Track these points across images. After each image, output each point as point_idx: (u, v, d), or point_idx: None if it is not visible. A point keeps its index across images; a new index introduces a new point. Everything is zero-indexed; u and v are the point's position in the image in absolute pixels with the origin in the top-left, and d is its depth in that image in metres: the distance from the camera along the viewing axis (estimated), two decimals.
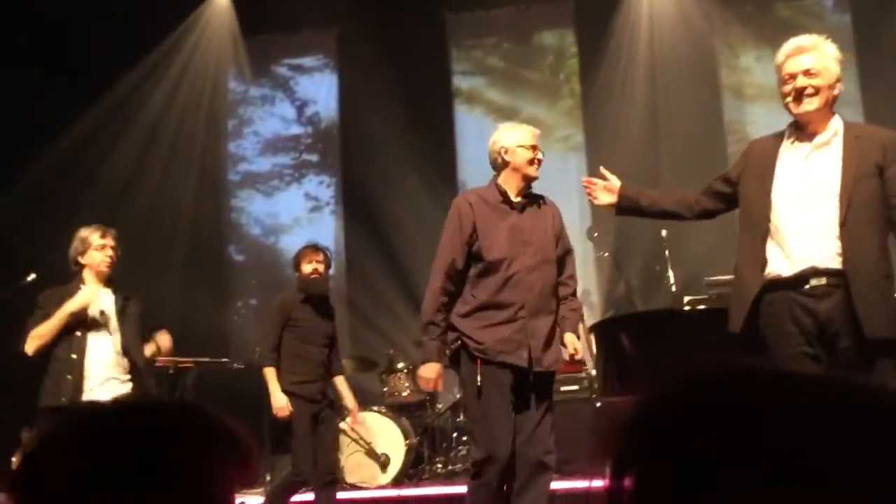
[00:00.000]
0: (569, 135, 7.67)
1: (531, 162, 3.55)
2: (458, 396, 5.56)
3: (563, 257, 3.62)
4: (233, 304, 8.03)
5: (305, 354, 4.62)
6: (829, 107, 3.00)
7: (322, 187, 8.15)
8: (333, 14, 7.62)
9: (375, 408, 5.72)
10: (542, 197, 3.66)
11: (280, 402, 4.49)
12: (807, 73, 2.94)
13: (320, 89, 8.22)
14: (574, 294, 3.64)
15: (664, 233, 5.15)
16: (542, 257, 3.51)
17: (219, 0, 7.88)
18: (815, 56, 2.96)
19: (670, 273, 4.97)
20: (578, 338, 3.57)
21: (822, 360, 2.87)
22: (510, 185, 3.57)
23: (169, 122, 7.70)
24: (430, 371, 3.49)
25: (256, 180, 8.26)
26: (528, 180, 3.58)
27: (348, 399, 4.93)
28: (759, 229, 2.98)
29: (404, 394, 5.94)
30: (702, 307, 4.25)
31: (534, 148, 3.56)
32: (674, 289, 4.89)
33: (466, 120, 7.85)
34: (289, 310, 4.66)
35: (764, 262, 2.96)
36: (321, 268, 4.75)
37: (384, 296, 7.25)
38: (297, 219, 8.09)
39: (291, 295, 4.76)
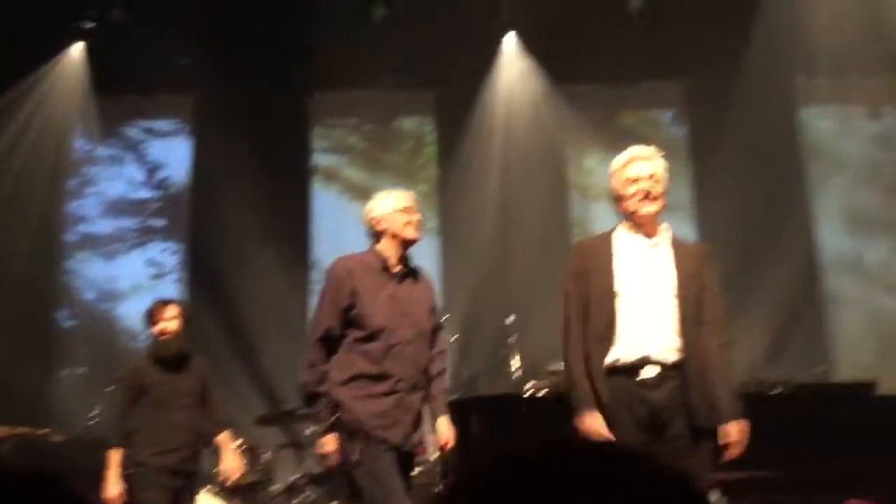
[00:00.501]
0: (424, 219, 7.79)
1: (407, 224, 3.52)
2: (295, 477, 5.37)
3: (436, 332, 3.58)
4: (59, 372, 7.49)
5: (162, 422, 4.28)
6: (659, 215, 3.25)
7: (167, 254, 7.85)
8: (192, 79, 7.51)
9: (208, 487, 5.42)
10: (418, 268, 3.62)
11: (110, 492, 4.12)
12: (651, 177, 3.16)
13: (173, 154, 8.01)
14: (444, 372, 3.58)
15: (510, 319, 5.27)
16: (419, 330, 3.46)
17: (72, 54, 7.61)
18: (656, 165, 3.22)
19: (515, 359, 5.08)
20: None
21: (651, 446, 3.00)
22: (389, 252, 3.51)
23: (8, 173, 7.25)
24: (329, 444, 3.32)
25: (96, 243, 7.86)
26: (408, 244, 3.53)
27: (225, 461, 4.52)
28: (606, 321, 3.10)
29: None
30: (543, 392, 4.33)
31: (409, 210, 3.54)
32: (517, 375, 4.99)
33: (324, 197, 7.84)
34: (138, 379, 4.34)
35: (606, 352, 3.08)
36: (172, 325, 4.44)
37: (224, 370, 6.97)
38: (137, 285, 7.72)
39: (140, 361, 4.46)
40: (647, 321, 3.07)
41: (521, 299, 6.58)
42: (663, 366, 3.04)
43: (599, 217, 7.42)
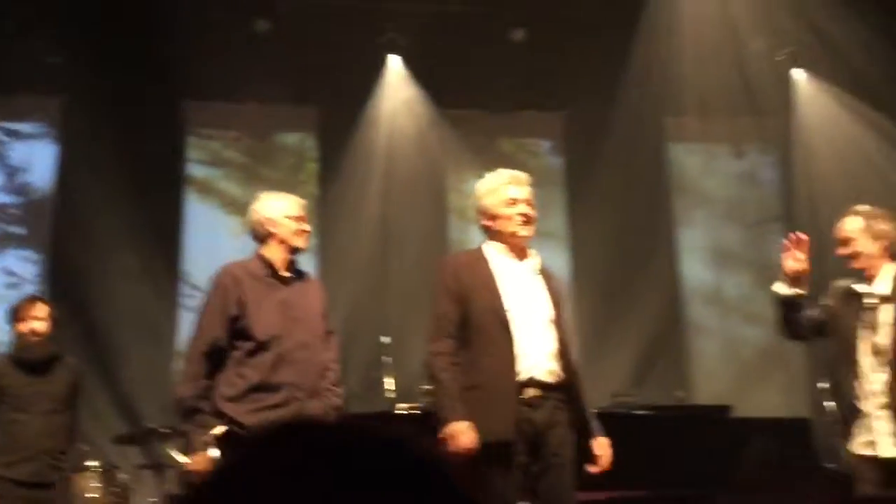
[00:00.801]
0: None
1: (298, 233, 3.39)
2: (153, 501, 5.13)
3: (328, 338, 3.46)
4: None
5: (17, 426, 3.97)
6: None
7: (25, 263, 7.41)
8: (62, 80, 7.15)
9: None
10: (306, 272, 3.51)
11: None
12: (528, 202, 3.22)
13: (36, 158, 7.59)
14: (337, 383, 3.44)
15: (385, 340, 5.24)
16: (312, 334, 3.33)
17: None
18: (530, 191, 3.27)
19: (389, 379, 5.04)
20: None
21: (531, 465, 3.05)
22: (276, 257, 3.37)
23: None
24: (203, 463, 3.11)
25: None
26: (295, 252, 3.41)
27: None
28: (497, 341, 3.09)
29: (94, 495, 5.37)
30: (416, 412, 4.32)
31: (300, 219, 3.43)
32: (391, 396, 4.96)
33: (197, 209, 7.61)
34: None
35: (501, 371, 3.08)
36: (41, 326, 4.11)
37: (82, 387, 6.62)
38: None
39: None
40: (531, 343, 3.11)
41: (397, 320, 6.56)
42: (544, 387, 3.09)
43: (476, 240, 7.51)
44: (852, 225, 3.59)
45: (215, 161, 7.92)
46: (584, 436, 3.13)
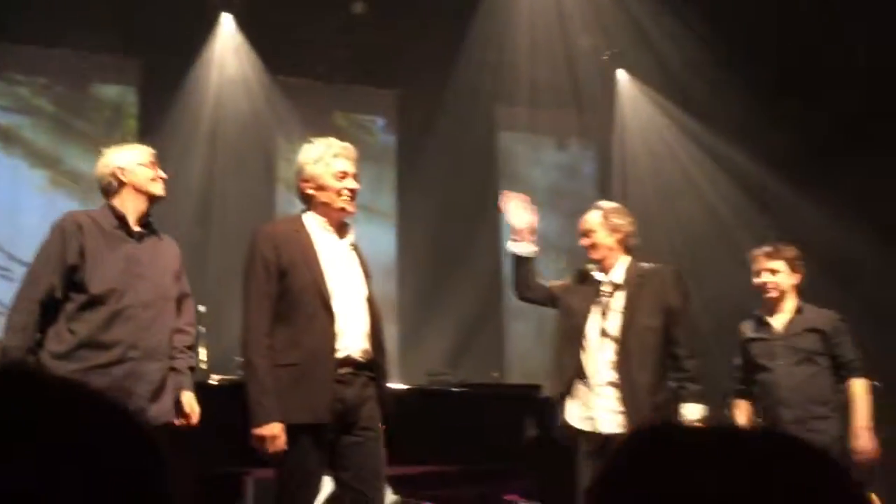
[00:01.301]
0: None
1: (155, 179, 3.26)
2: None
3: (182, 300, 3.30)
4: None
5: None
6: None
7: None
8: None
9: None
10: (158, 231, 3.32)
11: None
12: (356, 177, 3.18)
13: None
14: (193, 347, 3.30)
15: (201, 309, 5.04)
16: (159, 294, 3.16)
17: None
18: (358, 165, 3.24)
19: (202, 350, 4.86)
20: None
21: (342, 439, 3.06)
22: (129, 208, 3.20)
23: None
24: None
25: None
26: (153, 200, 3.26)
27: None
28: (325, 316, 3.05)
29: None
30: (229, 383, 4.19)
31: (154, 164, 3.29)
32: (204, 366, 4.79)
33: (1, 159, 6.99)
34: None
35: (324, 349, 3.05)
36: None
37: None
38: None
39: None
40: (349, 321, 3.09)
41: (215, 290, 6.34)
42: (357, 365, 3.09)
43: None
44: (593, 218, 3.87)
45: (23, 109, 7.30)
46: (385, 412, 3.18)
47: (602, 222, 3.83)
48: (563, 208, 8.63)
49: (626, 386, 3.57)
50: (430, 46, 7.54)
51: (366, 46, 7.63)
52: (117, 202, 3.23)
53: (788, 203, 7.41)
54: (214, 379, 4.38)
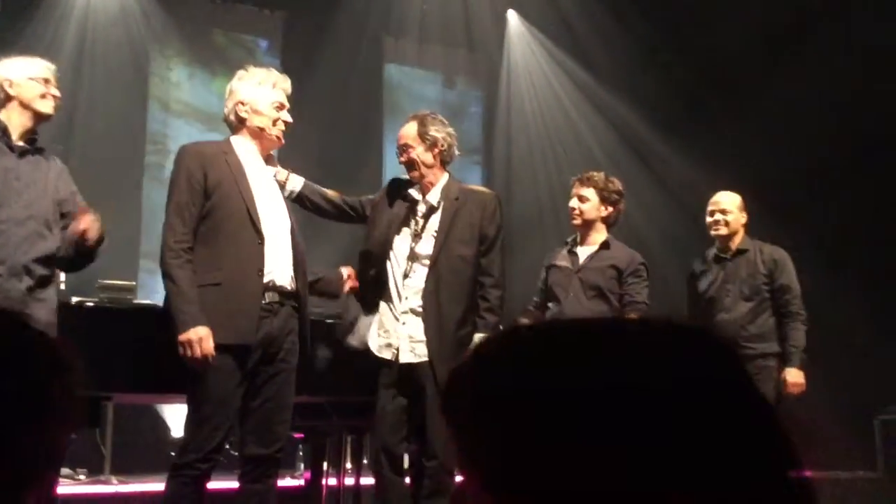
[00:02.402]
0: None
1: (44, 96, 3.06)
2: None
3: (64, 219, 3.12)
4: None
5: None
6: None
7: None
8: None
9: None
10: (45, 150, 3.13)
11: None
12: (288, 109, 3.18)
13: None
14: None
15: None
16: (35, 212, 2.99)
17: None
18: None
19: (60, 274, 4.61)
20: None
21: (262, 367, 3.01)
22: (13, 123, 3.03)
23: None
24: None
25: None
26: (40, 119, 3.08)
27: None
28: (251, 238, 2.99)
29: None
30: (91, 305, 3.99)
31: (46, 81, 3.09)
32: (63, 288, 4.55)
33: None
34: None
35: (239, 271, 2.98)
36: None
37: None
38: None
39: None
40: (275, 248, 3.04)
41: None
42: (284, 294, 3.04)
43: (179, 135, 7.05)
44: (409, 131, 3.49)
45: None
46: (304, 345, 3.15)
47: (418, 135, 3.45)
48: None
49: (433, 315, 3.32)
50: None
51: None
52: (3, 115, 3.06)
53: (659, 150, 7.66)
54: (74, 301, 4.18)
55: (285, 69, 7.94)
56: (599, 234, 4.01)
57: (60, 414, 0.63)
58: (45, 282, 3.04)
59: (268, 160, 3.23)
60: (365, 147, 7.80)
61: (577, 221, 4.00)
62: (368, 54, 7.92)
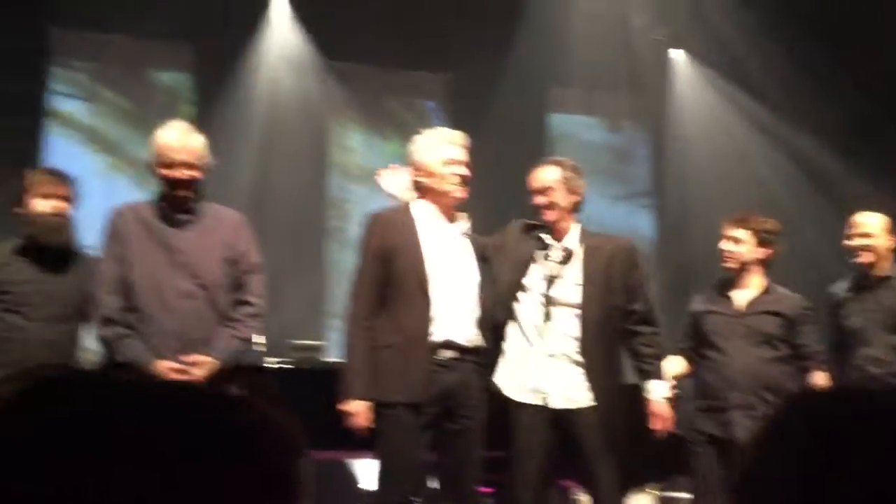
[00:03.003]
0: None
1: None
2: None
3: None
4: None
5: (14, 333, 3.24)
6: None
7: None
8: None
9: None
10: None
11: None
12: (466, 164, 3.27)
13: None
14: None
15: None
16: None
17: None
18: (466, 153, 3.38)
19: (259, 336, 4.94)
20: None
21: (436, 427, 3.15)
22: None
23: None
24: None
25: None
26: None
27: None
28: (421, 300, 3.14)
29: None
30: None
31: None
32: (261, 349, 4.87)
33: (61, 144, 7.14)
34: None
35: (429, 330, 3.13)
36: (62, 206, 3.34)
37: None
38: None
39: None
40: (450, 305, 3.16)
41: (269, 275, 6.41)
42: (461, 350, 3.15)
43: (359, 199, 7.43)
44: (551, 174, 3.51)
45: (82, 94, 7.45)
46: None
47: (562, 181, 3.48)
48: (618, 192, 8.53)
49: (594, 363, 3.31)
50: (482, 29, 7.49)
51: (418, 31, 7.60)
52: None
53: (842, 179, 7.23)
54: (271, 362, 4.45)
55: (454, 128, 8.24)
56: (757, 278, 3.88)
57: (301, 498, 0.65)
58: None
59: (451, 215, 3.31)
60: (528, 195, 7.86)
61: (732, 265, 3.86)
62: (534, 106, 8.02)
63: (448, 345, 3.12)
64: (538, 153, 8.12)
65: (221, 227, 3.25)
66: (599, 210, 8.43)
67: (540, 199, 3.48)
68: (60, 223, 3.32)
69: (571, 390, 3.32)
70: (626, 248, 3.55)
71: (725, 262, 3.88)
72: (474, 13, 7.47)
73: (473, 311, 3.20)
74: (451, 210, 3.31)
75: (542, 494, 3.36)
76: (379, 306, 3.13)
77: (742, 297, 3.87)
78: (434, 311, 3.11)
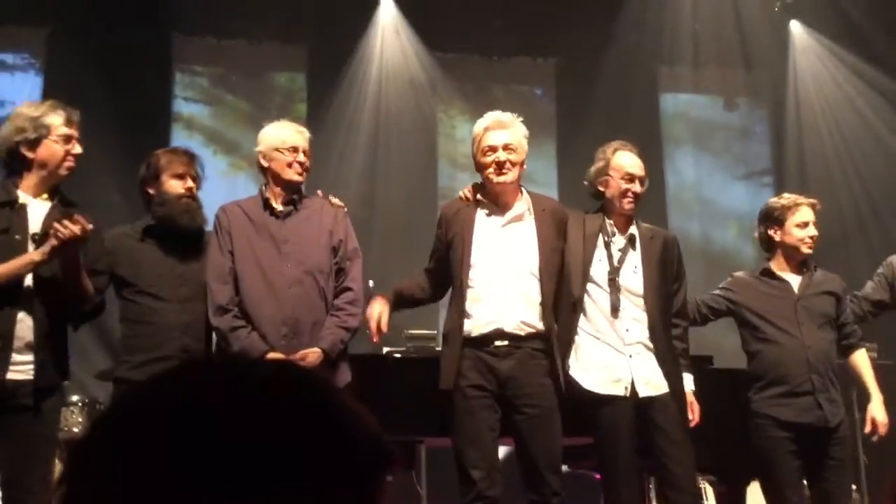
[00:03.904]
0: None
1: (290, 165, 3.31)
2: None
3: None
4: None
5: (150, 316, 3.20)
6: (519, 180, 3.26)
7: None
8: (47, 11, 6.98)
9: None
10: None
11: None
12: (506, 147, 3.19)
13: (21, 91, 7.44)
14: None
15: (370, 284, 5.23)
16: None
17: None
18: (513, 132, 3.25)
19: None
20: None
21: (505, 416, 3.08)
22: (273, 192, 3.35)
23: None
24: None
25: None
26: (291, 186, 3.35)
27: None
28: (460, 292, 3.15)
29: (75, 429, 5.40)
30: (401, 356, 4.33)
31: (294, 150, 3.34)
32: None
33: (183, 145, 7.51)
34: (119, 255, 3.23)
35: (463, 323, 3.13)
36: (195, 187, 3.31)
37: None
38: None
39: (121, 231, 3.34)
40: (500, 295, 3.14)
41: (382, 265, 6.55)
42: (513, 337, 3.11)
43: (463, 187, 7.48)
44: (643, 167, 3.54)
45: (202, 98, 7.81)
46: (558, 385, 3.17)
47: (647, 176, 3.54)
48: (736, 172, 8.26)
49: (663, 350, 3.28)
50: (587, 12, 7.39)
51: (521, 18, 7.57)
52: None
53: None
54: (386, 350, 4.55)
55: (560, 114, 8.19)
56: (802, 258, 3.73)
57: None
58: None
59: (506, 201, 3.25)
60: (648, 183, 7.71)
61: (810, 250, 3.68)
62: (643, 87, 7.86)
63: (499, 334, 3.11)
64: (649, 132, 7.98)
65: (323, 216, 3.35)
66: (717, 189, 8.19)
67: (637, 188, 3.45)
68: (194, 204, 3.31)
69: (651, 377, 3.26)
70: (674, 241, 3.56)
71: (808, 247, 3.69)
72: None
73: (527, 297, 3.15)
74: (507, 194, 3.25)
75: (638, 484, 3.33)
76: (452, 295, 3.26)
77: (793, 279, 3.72)
78: (468, 303, 3.13)
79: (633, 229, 3.45)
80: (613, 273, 3.31)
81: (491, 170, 3.19)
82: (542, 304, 3.16)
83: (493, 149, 3.20)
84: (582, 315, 3.31)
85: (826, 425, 3.48)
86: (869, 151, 7.46)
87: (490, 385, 3.09)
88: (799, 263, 3.72)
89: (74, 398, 5.47)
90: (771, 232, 3.75)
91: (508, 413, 3.11)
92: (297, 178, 3.31)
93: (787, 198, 3.78)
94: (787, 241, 3.70)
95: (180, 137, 7.53)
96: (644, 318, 3.31)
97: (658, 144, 8.03)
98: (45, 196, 3.07)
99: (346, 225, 3.38)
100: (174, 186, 3.28)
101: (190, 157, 3.41)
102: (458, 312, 3.13)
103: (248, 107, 7.75)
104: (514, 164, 3.21)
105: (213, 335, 3.28)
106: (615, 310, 3.28)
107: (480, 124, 3.30)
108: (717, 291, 3.86)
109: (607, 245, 3.37)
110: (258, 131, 3.53)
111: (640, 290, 3.33)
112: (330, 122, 7.48)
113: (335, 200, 3.48)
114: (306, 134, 3.41)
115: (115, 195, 6.78)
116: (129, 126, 6.86)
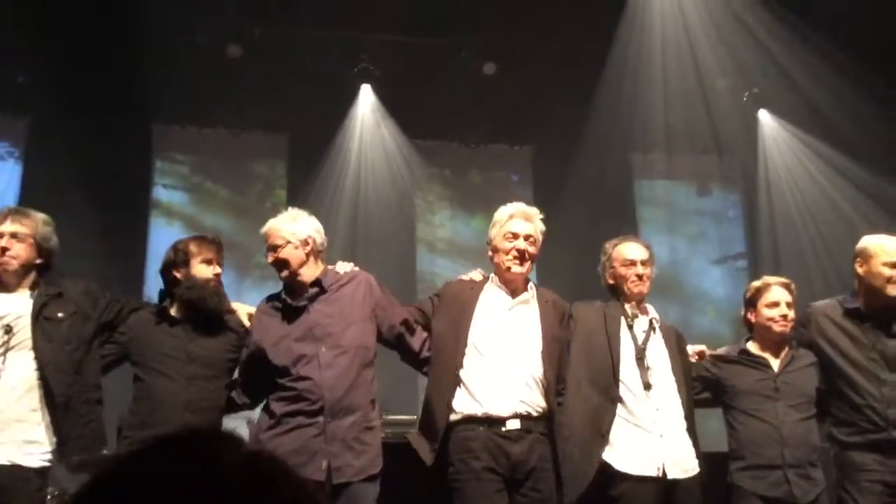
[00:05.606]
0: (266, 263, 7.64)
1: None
2: None
3: None
4: None
5: (156, 392, 3.24)
6: (528, 272, 3.38)
7: None
8: (28, 100, 7.07)
9: None
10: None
11: None
12: (528, 238, 3.25)
13: (1, 178, 7.48)
14: None
15: None
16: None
17: None
18: (536, 226, 3.34)
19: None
20: None
21: (515, 495, 3.09)
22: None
23: None
24: None
25: None
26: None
27: None
28: (450, 370, 3.14)
29: None
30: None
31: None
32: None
33: (163, 234, 7.52)
34: (135, 331, 3.36)
35: (451, 400, 3.12)
36: (217, 272, 3.40)
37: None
38: None
39: (144, 310, 3.45)
40: (505, 376, 3.15)
41: None
42: (525, 419, 3.12)
43: (445, 273, 7.52)
44: (646, 252, 3.58)
45: (182, 185, 7.86)
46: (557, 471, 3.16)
47: (650, 259, 3.55)
48: (711, 256, 8.37)
49: (689, 429, 3.31)
50: (562, 100, 7.59)
51: (498, 105, 7.76)
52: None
53: None
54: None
55: (537, 199, 8.31)
56: (777, 338, 3.72)
57: None
58: None
59: (516, 288, 3.30)
60: None
61: (783, 329, 3.66)
62: (618, 173, 8.02)
63: (510, 416, 3.10)
64: (625, 218, 8.10)
65: (349, 289, 3.44)
66: (694, 273, 8.28)
67: (643, 270, 3.49)
68: (219, 289, 3.42)
69: (684, 459, 3.27)
70: (678, 332, 3.62)
71: (783, 327, 3.66)
72: (553, 85, 7.58)
73: (535, 380, 3.16)
74: (517, 282, 3.31)
75: None
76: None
77: (774, 360, 3.71)
78: (477, 382, 3.14)
79: (652, 312, 3.51)
80: (640, 353, 3.33)
81: (510, 256, 3.26)
82: (547, 388, 3.18)
83: (516, 236, 3.28)
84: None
85: (795, 501, 3.44)
86: (840, 235, 7.60)
87: (501, 469, 3.08)
88: (777, 344, 3.72)
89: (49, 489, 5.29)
90: (748, 314, 3.79)
91: (510, 494, 3.10)
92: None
93: (762, 279, 3.84)
94: (760, 322, 3.72)
95: (160, 224, 7.56)
96: (674, 396, 3.32)
97: (634, 229, 8.14)
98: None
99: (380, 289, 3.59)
100: (203, 271, 3.39)
101: (218, 246, 3.54)
102: (445, 390, 3.14)
103: (227, 194, 7.81)
104: (531, 257, 3.29)
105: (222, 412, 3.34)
106: (647, 387, 3.28)
107: (505, 211, 3.37)
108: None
109: (630, 328, 3.40)
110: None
111: (668, 368, 3.36)
112: (309, 208, 7.50)
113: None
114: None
115: (92, 281, 6.73)
116: (108, 212, 6.88)
